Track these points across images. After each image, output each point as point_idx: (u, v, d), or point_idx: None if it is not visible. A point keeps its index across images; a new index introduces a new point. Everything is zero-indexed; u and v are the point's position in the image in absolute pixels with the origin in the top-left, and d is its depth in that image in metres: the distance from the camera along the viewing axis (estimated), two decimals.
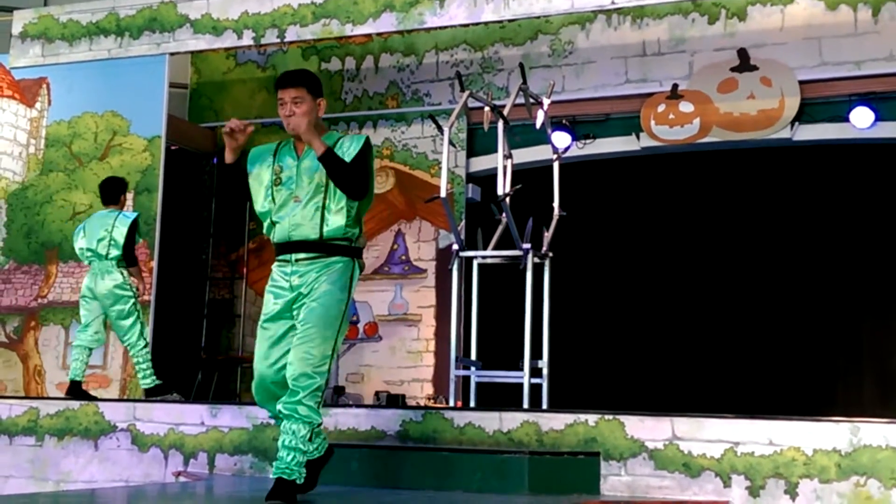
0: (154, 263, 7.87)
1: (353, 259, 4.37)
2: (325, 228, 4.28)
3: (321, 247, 4.29)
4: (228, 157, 4.36)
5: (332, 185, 4.27)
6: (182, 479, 5.74)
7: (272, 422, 5.74)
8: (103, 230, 6.81)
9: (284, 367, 4.26)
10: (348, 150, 4.32)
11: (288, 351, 4.26)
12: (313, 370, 4.18)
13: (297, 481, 4.21)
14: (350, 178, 4.26)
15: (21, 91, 8.60)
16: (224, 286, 9.50)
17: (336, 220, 4.28)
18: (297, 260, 4.30)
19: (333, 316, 4.25)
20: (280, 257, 4.36)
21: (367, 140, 4.41)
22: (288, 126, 4.33)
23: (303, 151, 4.35)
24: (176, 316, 8.83)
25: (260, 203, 4.41)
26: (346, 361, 8.99)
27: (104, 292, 6.76)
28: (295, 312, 4.28)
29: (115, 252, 6.78)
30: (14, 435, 6.27)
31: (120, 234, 6.79)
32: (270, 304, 4.34)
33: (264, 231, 4.42)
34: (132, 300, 6.82)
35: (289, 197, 4.32)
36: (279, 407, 4.23)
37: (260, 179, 4.40)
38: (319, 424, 4.26)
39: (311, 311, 4.24)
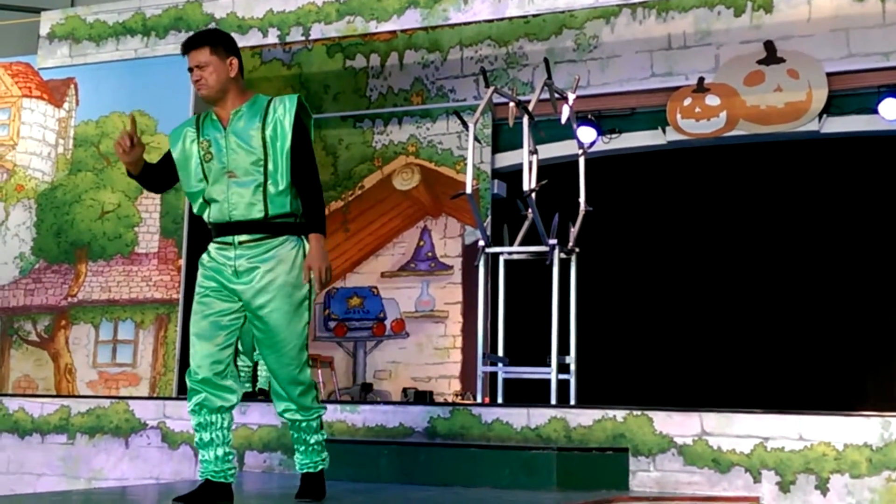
0: (182, 262, 7.92)
1: (301, 237, 4.02)
2: (271, 207, 3.93)
3: (267, 227, 3.94)
4: (132, 169, 4.05)
5: (272, 163, 3.91)
6: None
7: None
8: None
9: (227, 348, 3.97)
10: (283, 117, 3.95)
11: (231, 334, 3.97)
12: (298, 374, 4.00)
13: (324, 468, 4.22)
14: (317, 195, 4.01)
15: (49, 91, 8.67)
16: None
17: (281, 198, 3.93)
18: (240, 243, 3.94)
19: (298, 311, 3.97)
20: (219, 239, 3.98)
21: (299, 99, 4.02)
22: (199, 92, 4.04)
23: (228, 121, 3.98)
24: None
25: (191, 182, 4.02)
26: (373, 358, 9.01)
27: None
28: (244, 294, 3.92)
29: None
30: (46, 433, 6.33)
31: None
32: (207, 284, 3.98)
33: (196, 210, 4.06)
34: None
35: (221, 172, 3.94)
36: (283, 413, 4.07)
37: (187, 156, 4.02)
38: (323, 414, 4.18)
39: (273, 313, 3.94)
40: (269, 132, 3.93)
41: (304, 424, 4.10)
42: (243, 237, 3.93)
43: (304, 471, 4.19)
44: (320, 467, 4.20)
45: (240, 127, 3.95)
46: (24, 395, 7.57)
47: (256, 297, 3.92)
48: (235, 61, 4.02)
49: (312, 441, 4.16)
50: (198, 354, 3.97)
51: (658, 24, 8.44)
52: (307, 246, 4.00)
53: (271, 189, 3.91)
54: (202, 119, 4.07)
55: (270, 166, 3.91)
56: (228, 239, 3.95)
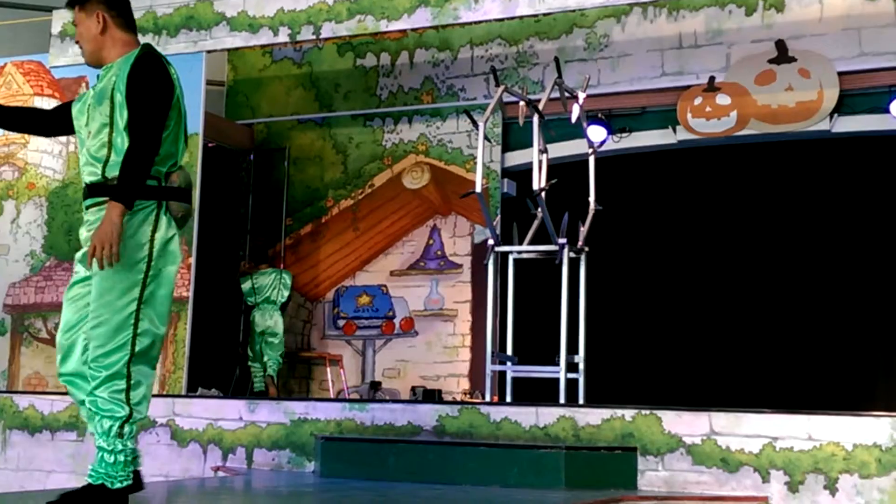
0: (192, 260, 7.93)
1: (158, 203, 3.51)
2: (108, 169, 3.49)
3: (106, 190, 3.46)
4: None
5: (117, 120, 3.51)
6: (221, 473, 5.79)
7: (309, 416, 5.78)
8: (273, 283, 9.17)
9: (74, 336, 3.58)
10: (123, 73, 3.53)
11: (82, 318, 3.55)
12: (106, 354, 3.41)
13: (108, 485, 3.43)
14: (142, 152, 3.41)
15: (61, 90, 8.69)
16: None
17: (121, 159, 3.44)
18: (86, 207, 3.57)
19: (129, 282, 3.43)
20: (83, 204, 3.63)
21: (144, 48, 3.60)
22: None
23: (101, 73, 3.63)
24: (214, 312, 8.90)
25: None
26: (382, 357, 9.03)
27: (277, 330, 9.11)
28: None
29: (280, 300, 9.15)
30: (56, 430, 6.35)
31: (286, 287, 9.17)
32: (77, 266, 3.66)
33: None
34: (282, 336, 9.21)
35: (85, 132, 3.60)
36: (86, 399, 3.51)
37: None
38: (128, 418, 3.44)
39: (99, 281, 3.46)
40: (119, 87, 3.53)
41: (98, 424, 3.45)
42: (88, 202, 3.59)
43: (88, 479, 3.47)
44: (100, 481, 3.43)
45: (100, 85, 3.60)
46: (34, 392, 7.60)
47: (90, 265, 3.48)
48: (102, 13, 3.62)
49: (98, 443, 3.46)
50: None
51: (669, 23, 8.43)
52: (166, 217, 3.54)
53: (113, 150, 3.50)
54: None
55: (117, 128, 3.52)
56: (84, 204, 3.63)
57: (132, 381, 3.44)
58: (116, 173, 3.46)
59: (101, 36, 3.64)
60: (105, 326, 3.44)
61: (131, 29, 3.73)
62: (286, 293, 9.17)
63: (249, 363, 9.12)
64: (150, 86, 3.50)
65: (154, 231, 3.49)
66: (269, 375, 9.10)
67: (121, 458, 3.43)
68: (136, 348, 3.45)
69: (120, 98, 3.51)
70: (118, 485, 3.43)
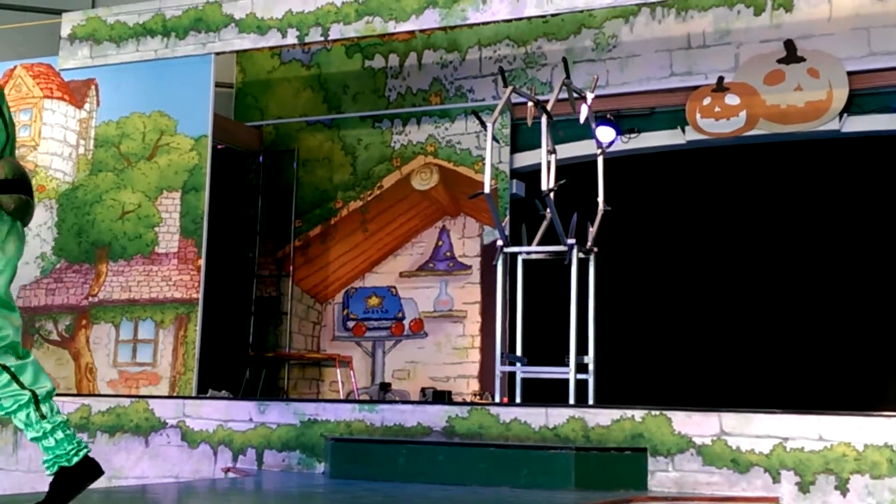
0: (202, 262, 7.95)
1: None
2: None
3: None
4: None
5: None
6: (231, 474, 5.80)
7: (319, 417, 5.79)
8: None
9: None
10: None
11: None
12: None
13: (66, 464, 3.39)
14: None
15: (70, 92, 8.72)
16: (271, 284, 9.57)
17: None
18: None
19: None
20: None
21: None
22: None
23: None
24: (223, 314, 8.92)
25: None
26: (392, 358, 9.03)
27: None
28: None
29: None
30: None
31: None
32: None
33: None
34: None
35: None
36: None
37: None
38: (35, 399, 3.32)
39: None
40: None
41: (11, 418, 3.37)
42: None
43: (48, 475, 3.43)
44: (58, 466, 3.39)
45: None
46: None
47: None
48: None
49: (31, 436, 3.38)
50: None
51: (677, 24, 8.42)
52: None
53: None
54: None
55: None
56: None
57: (12, 370, 3.29)
58: None
59: None
60: None
61: None
62: None
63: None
64: None
65: None
66: None
67: (58, 434, 3.35)
68: None
69: None
70: (76, 458, 3.36)
